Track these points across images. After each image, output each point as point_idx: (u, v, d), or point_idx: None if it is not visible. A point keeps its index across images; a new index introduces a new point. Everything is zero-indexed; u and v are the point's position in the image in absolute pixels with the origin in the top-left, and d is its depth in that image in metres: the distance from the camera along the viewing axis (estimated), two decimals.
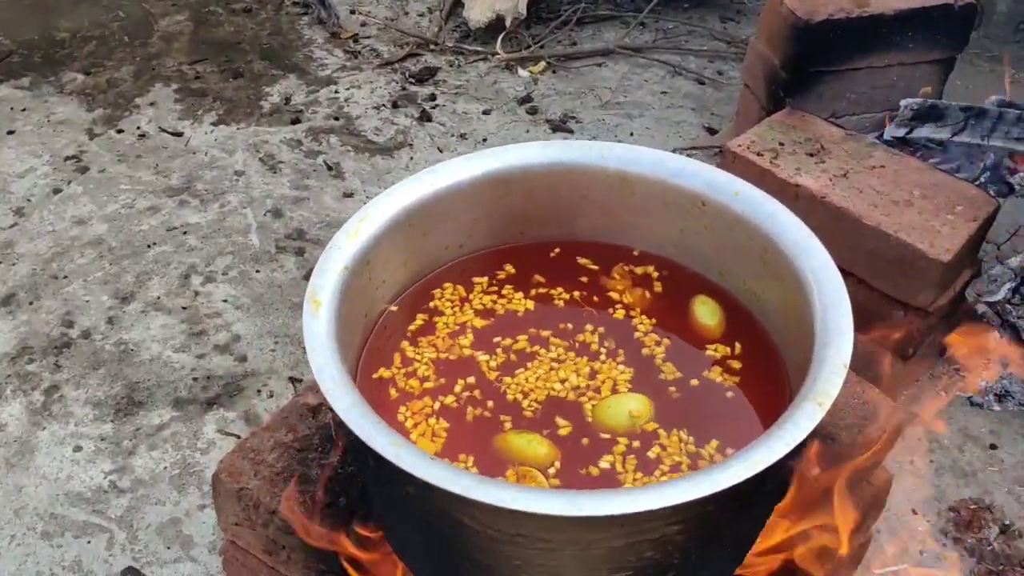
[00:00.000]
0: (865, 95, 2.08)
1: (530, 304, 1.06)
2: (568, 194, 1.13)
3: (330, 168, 2.25)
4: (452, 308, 1.06)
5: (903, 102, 2.05)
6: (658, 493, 0.75)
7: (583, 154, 1.11)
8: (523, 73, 2.58)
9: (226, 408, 1.67)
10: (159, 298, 1.90)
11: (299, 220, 2.10)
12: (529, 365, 0.98)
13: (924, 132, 2.03)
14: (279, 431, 1.13)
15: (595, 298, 1.07)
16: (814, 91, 2.02)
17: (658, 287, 1.08)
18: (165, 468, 1.57)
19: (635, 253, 1.11)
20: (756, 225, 1.02)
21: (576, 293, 1.07)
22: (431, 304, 1.06)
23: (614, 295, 1.06)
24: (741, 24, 2.77)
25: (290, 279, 1.95)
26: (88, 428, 1.64)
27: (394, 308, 1.04)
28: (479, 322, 1.04)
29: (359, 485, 1.05)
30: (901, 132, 2.03)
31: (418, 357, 1.00)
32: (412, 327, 1.03)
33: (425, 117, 2.41)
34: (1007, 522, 1.49)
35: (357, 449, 0.95)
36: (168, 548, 1.46)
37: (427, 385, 0.97)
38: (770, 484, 0.88)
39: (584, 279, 1.09)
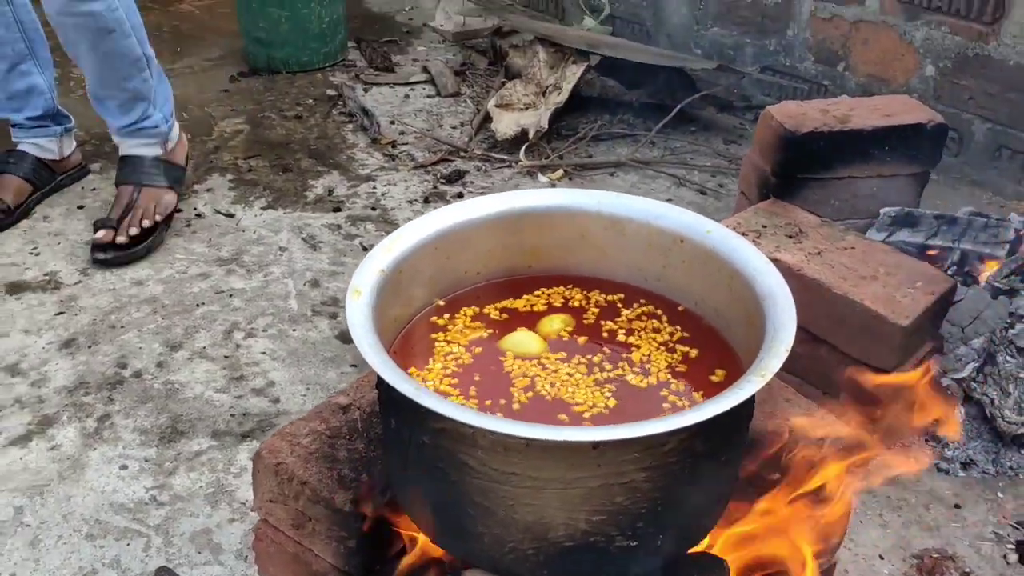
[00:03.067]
0: (847, 203, 2.31)
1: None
2: (569, 233, 1.34)
3: (365, 249, 2.49)
4: (469, 324, 1.26)
5: (883, 210, 2.28)
6: (623, 428, 0.93)
7: (580, 200, 1.33)
8: (543, 178, 2.85)
9: (259, 440, 1.84)
10: (204, 348, 2.11)
11: (334, 290, 2.32)
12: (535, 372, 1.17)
13: (902, 236, 2.25)
14: (313, 421, 1.31)
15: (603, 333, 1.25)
16: (799, 195, 2.25)
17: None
18: (201, 487, 1.74)
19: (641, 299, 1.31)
20: (725, 256, 1.23)
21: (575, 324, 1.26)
22: (451, 318, 1.26)
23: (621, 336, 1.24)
24: (742, 146, 3.05)
25: (323, 338, 2.15)
26: (134, 451, 1.82)
27: (441, 302, 1.25)
28: (491, 338, 1.23)
29: (379, 466, 1.23)
30: (881, 236, 2.25)
31: (437, 359, 1.19)
32: (433, 335, 1.23)
33: None
34: (968, 570, 1.61)
35: (384, 406, 1.13)
36: (199, 553, 1.61)
37: (445, 377, 1.15)
38: (722, 450, 1.05)
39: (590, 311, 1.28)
